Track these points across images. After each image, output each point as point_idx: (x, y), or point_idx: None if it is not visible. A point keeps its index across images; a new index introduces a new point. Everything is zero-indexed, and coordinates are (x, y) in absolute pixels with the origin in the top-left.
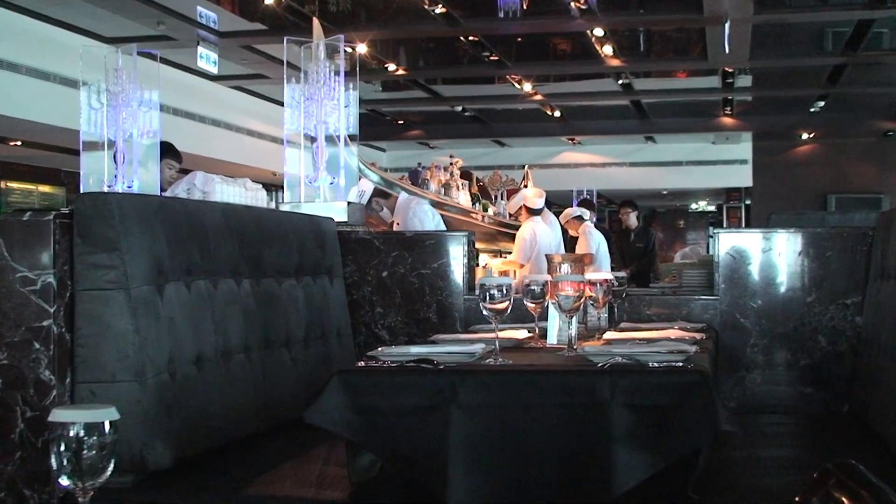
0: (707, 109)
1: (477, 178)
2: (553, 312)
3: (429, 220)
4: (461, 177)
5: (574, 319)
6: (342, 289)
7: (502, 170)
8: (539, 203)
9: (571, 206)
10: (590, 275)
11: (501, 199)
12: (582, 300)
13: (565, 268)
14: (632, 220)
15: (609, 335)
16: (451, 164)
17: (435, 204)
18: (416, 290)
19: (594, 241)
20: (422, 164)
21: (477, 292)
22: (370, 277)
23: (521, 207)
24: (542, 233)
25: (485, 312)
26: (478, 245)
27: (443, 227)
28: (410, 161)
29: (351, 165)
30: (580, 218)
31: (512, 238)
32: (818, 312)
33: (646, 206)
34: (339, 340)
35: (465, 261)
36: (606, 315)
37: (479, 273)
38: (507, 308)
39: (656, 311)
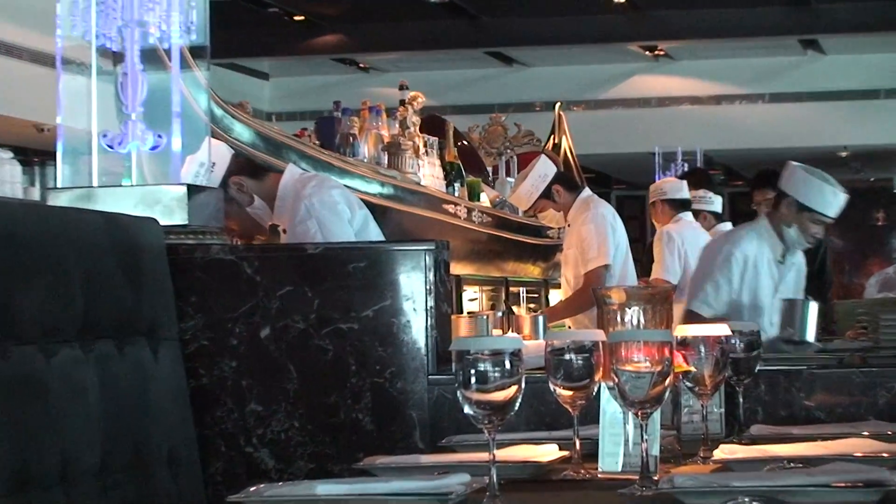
0: None
1: (457, 132)
2: (609, 408)
3: (347, 220)
4: (424, 129)
5: (654, 421)
6: (178, 364)
7: (509, 113)
8: (681, 193)
9: (665, 179)
10: (687, 329)
11: (508, 173)
12: (669, 382)
13: (634, 314)
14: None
15: (728, 451)
16: (405, 103)
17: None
18: (328, 366)
19: (683, 255)
20: (342, 103)
21: (453, 367)
22: (235, 339)
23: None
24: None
25: (467, 410)
26: (459, 268)
27: (381, 235)
28: (319, 99)
29: (195, 109)
30: (679, 205)
31: (538, 254)
32: None
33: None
34: (174, 471)
35: (431, 301)
36: (720, 411)
37: (460, 326)
38: (511, 399)
39: (824, 399)
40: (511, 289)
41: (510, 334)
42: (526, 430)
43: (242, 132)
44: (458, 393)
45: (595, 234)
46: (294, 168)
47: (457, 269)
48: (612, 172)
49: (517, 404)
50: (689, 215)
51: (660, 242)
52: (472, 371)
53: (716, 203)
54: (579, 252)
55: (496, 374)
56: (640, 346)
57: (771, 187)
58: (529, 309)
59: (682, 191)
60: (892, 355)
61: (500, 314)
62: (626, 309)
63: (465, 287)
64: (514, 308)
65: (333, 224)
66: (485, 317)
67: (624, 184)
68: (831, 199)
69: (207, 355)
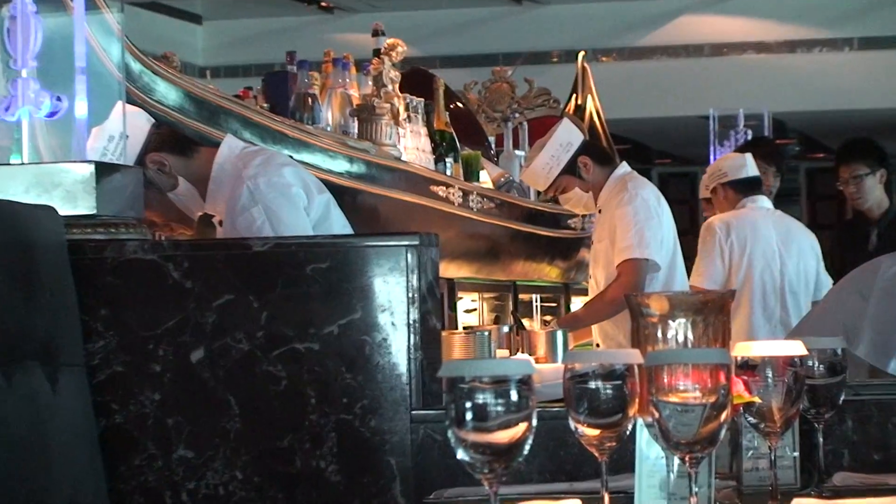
0: None
1: (450, 92)
2: (648, 451)
3: (303, 207)
4: (406, 87)
5: (706, 468)
6: (84, 397)
7: (518, 66)
8: (746, 170)
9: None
10: (750, 348)
11: (516, 144)
12: (726, 417)
13: (679, 328)
14: (869, 189)
15: None
16: (381, 53)
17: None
18: (281, 398)
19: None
20: (297, 54)
21: (444, 399)
22: (158, 365)
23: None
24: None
25: (461, 456)
26: (453, 269)
27: (348, 227)
28: (268, 48)
29: (105, 64)
30: (746, 186)
31: (556, 250)
32: None
33: None
34: None
35: (414, 313)
36: (794, 455)
37: (454, 346)
38: (519, 441)
39: None
40: (521, 296)
41: (519, 355)
42: (540, 481)
43: (167, 93)
44: (450, 433)
45: (633, 220)
46: (233, 141)
47: (450, 270)
48: (652, 143)
49: (527, 447)
50: (762, 199)
51: (701, 237)
52: (468, 404)
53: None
54: (612, 245)
55: (499, 409)
56: (688, 369)
57: (862, 160)
58: (545, 322)
59: (748, 166)
60: None
61: (506, 329)
62: (670, 322)
63: (460, 294)
64: (525, 321)
65: (285, 212)
66: (486, 333)
67: (669, 158)
68: None
69: (123, 386)
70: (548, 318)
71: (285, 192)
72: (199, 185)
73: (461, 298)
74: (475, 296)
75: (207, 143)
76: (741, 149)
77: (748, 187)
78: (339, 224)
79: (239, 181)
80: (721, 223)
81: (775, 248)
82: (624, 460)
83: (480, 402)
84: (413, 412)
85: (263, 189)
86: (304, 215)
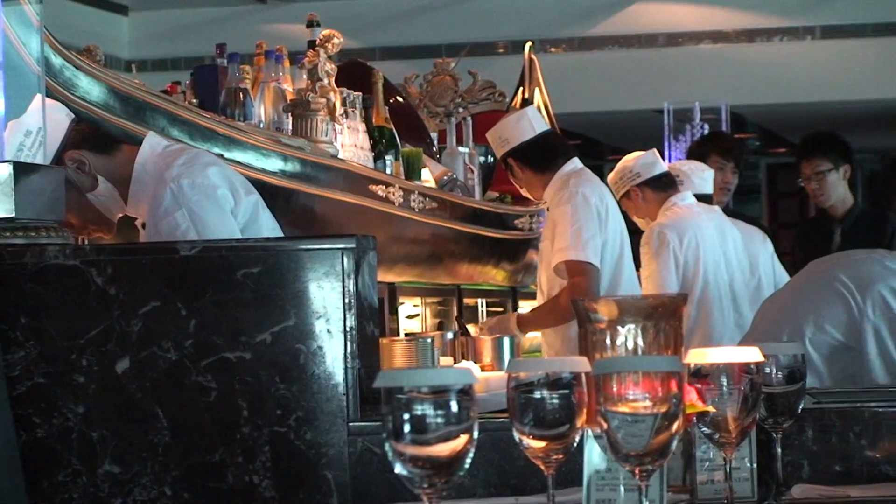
0: None
1: (389, 85)
2: (596, 464)
3: (229, 211)
4: (343, 81)
5: (658, 482)
6: (3, 411)
7: (462, 58)
8: (658, 166)
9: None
10: (704, 354)
11: (460, 140)
12: (678, 427)
13: (629, 334)
14: (832, 186)
15: None
16: (316, 45)
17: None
18: (211, 411)
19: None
20: (227, 46)
21: (382, 411)
22: (82, 376)
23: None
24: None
25: (399, 470)
26: (394, 273)
27: (278, 230)
28: (196, 40)
29: (23, 56)
30: (664, 183)
31: (503, 252)
32: None
33: (876, 150)
34: None
35: (351, 320)
36: (751, 467)
37: (394, 354)
38: (460, 454)
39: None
40: (466, 301)
41: (464, 363)
42: (485, 496)
43: (90, 88)
44: (387, 446)
45: (572, 219)
46: (155, 139)
47: (390, 274)
48: (604, 138)
49: (468, 461)
50: (688, 196)
51: (648, 247)
52: (406, 416)
53: (698, 173)
54: (552, 244)
55: (438, 420)
56: (638, 378)
57: (825, 156)
58: (481, 329)
59: (659, 161)
60: None
61: (450, 336)
62: (619, 328)
63: (402, 299)
64: (471, 327)
65: (210, 216)
66: (429, 340)
67: (622, 153)
68: None
69: (44, 398)
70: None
71: (210, 194)
72: (119, 185)
73: (403, 304)
74: (417, 301)
75: (131, 140)
76: (698, 144)
77: (666, 184)
78: (267, 227)
79: (161, 183)
80: (672, 231)
81: (725, 249)
82: (572, 473)
83: (419, 413)
84: (350, 424)
85: (187, 191)
86: (231, 218)
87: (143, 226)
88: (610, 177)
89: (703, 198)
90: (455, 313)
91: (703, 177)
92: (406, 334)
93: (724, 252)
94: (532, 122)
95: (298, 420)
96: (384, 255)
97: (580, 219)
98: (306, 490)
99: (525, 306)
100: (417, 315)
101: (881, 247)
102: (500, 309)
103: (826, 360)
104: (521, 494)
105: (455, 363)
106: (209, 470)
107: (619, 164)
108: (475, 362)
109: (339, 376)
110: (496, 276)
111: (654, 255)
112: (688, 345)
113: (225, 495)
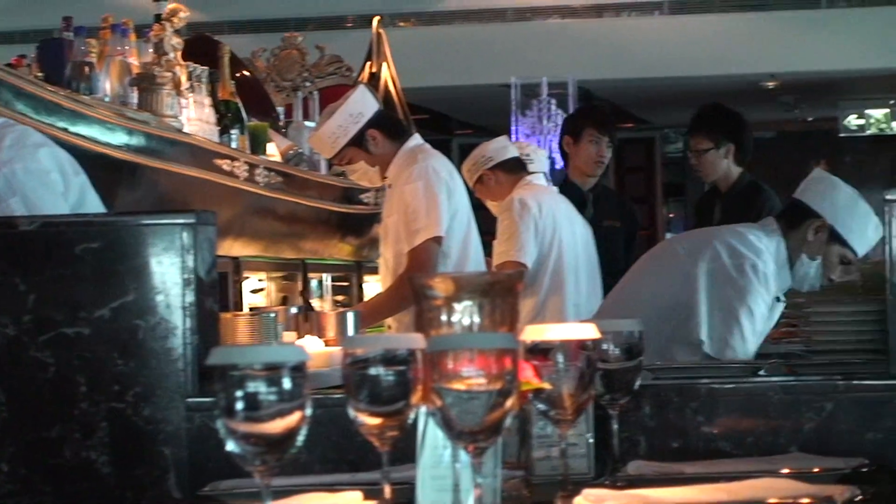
0: None
1: (236, 59)
2: (431, 440)
3: (60, 193)
4: (189, 55)
5: (492, 458)
6: None
7: (308, 31)
8: (509, 150)
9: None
10: (540, 331)
11: (307, 115)
12: (513, 404)
13: (465, 311)
14: (711, 164)
15: (595, 498)
16: (161, 18)
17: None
18: (49, 386)
19: (543, 230)
20: (74, 20)
21: (215, 388)
22: None
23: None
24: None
25: (231, 447)
26: (238, 247)
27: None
28: (42, 13)
29: None
30: (515, 165)
31: (348, 226)
32: None
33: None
34: None
35: (190, 295)
36: (589, 442)
37: (238, 329)
38: (292, 431)
39: (731, 424)
40: (311, 275)
41: (308, 338)
42: (323, 472)
43: None
44: (220, 423)
45: (424, 195)
46: None
47: (235, 248)
48: (452, 113)
49: (301, 438)
50: (538, 177)
51: (510, 212)
52: (239, 393)
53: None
54: (402, 222)
55: (271, 397)
56: (473, 355)
57: (706, 135)
58: (336, 303)
59: (510, 146)
60: (825, 363)
61: (294, 311)
62: (455, 305)
63: (246, 274)
64: (316, 302)
65: (46, 203)
66: (272, 314)
67: (470, 128)
68: (871, 236)
69: None
70: (340, 298)
71: (44, 179)
72: None
73: (248, 278)
74: (262, 275)
75: None
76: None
77: (516, 167)
78: (94, 207)
79: None
80: (532, 200)
81: (573, 225)
82: (410, 450)
83: (252, 390)
84: (188, 400)
85: (21, 177)
86: (63, 202)
87: None
88: (463, 165)
89: (518, 160)
90: (300, 288)
91: (544, 157)
92: (250, 309)
93: (572, 228)
94: (373, 94)
95: (136, 396)
96: (229, 230)
97: (433, 194)
98: (143, 466)
99: (370, 280)
100: (263, 289)
101: (754, 219)
102: (346, 283)
103: (662, 317)
104: (358, 471)
105: (299, 338)
106: (46, 446)
107: (472, 152)
108: (319, 337)
109: (177, 352)
110: (341, 250)
111: (516, 219)
112: (542, 314)
113: (62, 471)
